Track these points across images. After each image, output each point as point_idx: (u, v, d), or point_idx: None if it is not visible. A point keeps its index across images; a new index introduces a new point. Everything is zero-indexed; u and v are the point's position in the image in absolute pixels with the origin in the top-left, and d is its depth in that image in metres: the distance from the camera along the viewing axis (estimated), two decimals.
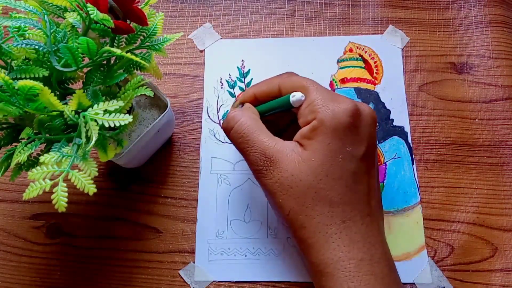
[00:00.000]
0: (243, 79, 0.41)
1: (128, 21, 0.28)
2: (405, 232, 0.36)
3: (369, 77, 0.41)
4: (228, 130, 0.31)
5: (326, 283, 0.28)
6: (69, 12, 0.27)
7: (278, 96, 0.32)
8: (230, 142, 0.32)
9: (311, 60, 0.42)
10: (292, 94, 0.30)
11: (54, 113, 0.26)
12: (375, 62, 0.42)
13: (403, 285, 0.29)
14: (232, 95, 0.41)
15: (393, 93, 0.41)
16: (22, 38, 0.27)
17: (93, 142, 0.23)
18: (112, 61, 0.29)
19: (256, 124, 0.31)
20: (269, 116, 0.33)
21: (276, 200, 0.29)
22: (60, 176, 0.23)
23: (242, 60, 0.42)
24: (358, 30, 0.43)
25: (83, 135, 0.24)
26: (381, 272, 0.27)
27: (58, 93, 0.27)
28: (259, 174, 0.30)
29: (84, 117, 0.24)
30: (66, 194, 0.23)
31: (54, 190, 0.23)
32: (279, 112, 0.33)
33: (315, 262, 0.28)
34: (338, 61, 0.42)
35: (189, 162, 0.39)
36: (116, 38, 0.29)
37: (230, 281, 0.35)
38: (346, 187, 0.28)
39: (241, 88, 0.41)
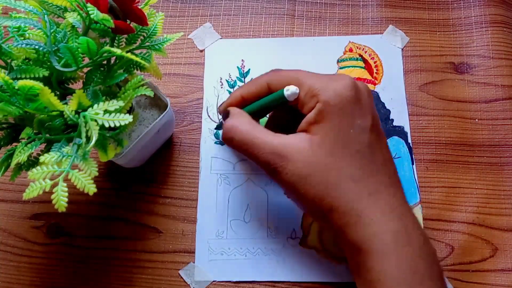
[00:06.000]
0: (243, 78, 0.41)
1: (128, 21, 0.28)
2: None
3: (369, 77, 0.41)
4: (229, 142, 0.31)
5: (364, 259, 0.27)
6: (69, 12, 0.27)
7: (268, 94, 0.32)
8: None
9: (311, 60, 0.42)
10: (286, 88, 0.29)
11: (54, 113, 0.26)
12: (375, 62, 0.42)
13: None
14: None
15: (393, 93, 0.41)
16: (22, 38, 0.27)
17: (93, 142, 0.23)
18: (112, 61, 0.29)
19: (254, 127, 0.30)
20: (261, 115, 0.33)
21: (298, 192, 0.28)
22: (60, 176, 0.23)
23: (242, 60, 0.42)
24: (358, 30, 0.43)
25: (83, 135, 0.24)
26: (417, 242, 0.27)
27: (58, 93, 0.27)
28: (274, 173, 0.29)
29: (84, 117, 0.24)
30: (66, 194, 0.23)
31: (54, 190, 0.23)
32: (271, 110, 0.32)
33: (351, 241, 0.27)
34: (338, 61, 0.42)
35: (189, 162, 0.39)
36: (116, 38, 0.29)
37: (230, 281, 0.35)
38: (364, 159, 0.28)
39: None
